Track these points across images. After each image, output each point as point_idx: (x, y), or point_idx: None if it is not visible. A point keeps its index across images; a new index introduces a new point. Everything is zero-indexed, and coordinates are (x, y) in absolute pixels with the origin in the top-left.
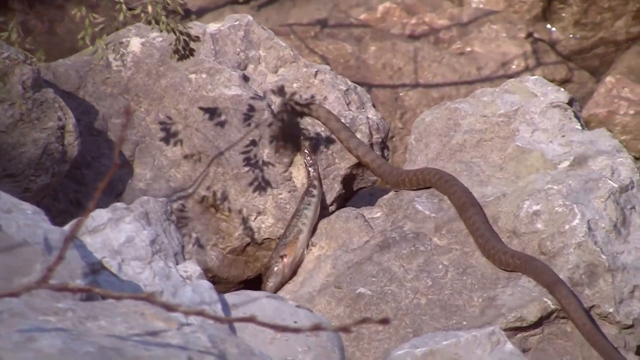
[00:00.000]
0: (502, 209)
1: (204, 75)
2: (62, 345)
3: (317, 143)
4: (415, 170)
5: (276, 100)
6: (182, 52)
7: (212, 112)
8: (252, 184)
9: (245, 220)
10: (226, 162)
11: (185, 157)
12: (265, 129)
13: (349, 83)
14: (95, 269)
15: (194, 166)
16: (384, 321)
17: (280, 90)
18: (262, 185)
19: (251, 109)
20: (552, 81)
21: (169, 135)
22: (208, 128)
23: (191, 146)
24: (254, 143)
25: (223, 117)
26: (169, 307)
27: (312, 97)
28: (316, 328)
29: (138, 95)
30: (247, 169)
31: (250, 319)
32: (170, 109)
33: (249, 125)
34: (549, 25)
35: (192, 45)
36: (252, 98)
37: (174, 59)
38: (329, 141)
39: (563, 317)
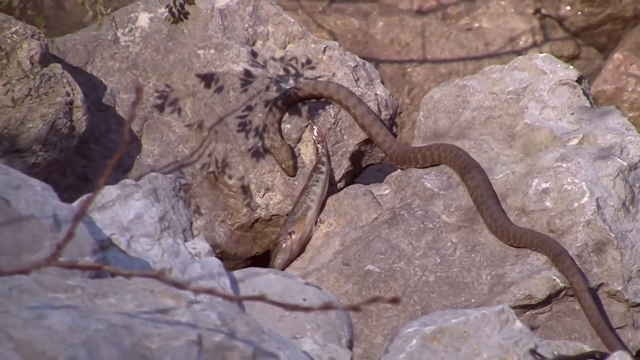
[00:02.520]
0: (511, 186)
1: (212, 51)
2: (71, 323)
3: (325, 120)
4: (427, 146)
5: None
6: (177, 15)
7: (219, 87)
8: (255, 156)
9: (253, 197)
10: (234, 138)
11: (191, 129)
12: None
13: (358, 59)
14: (104, 245)
15: (202, 142)
16: (395, 300)
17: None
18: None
19: (258, 83)
20: (560, 57)
21: (174, 109)
22: (216, 103)
23: (198, 121)
24: (250, 108)
25: (231, 93)
26: (179, 285)
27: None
28: (326, 307)
29: (146, 70)
30: (256, 145)
31: (260, 298)
32: (179, 85)
33: (255, 100)
34: (557, 1)
35: (188, 8)
36: (260, 74)
37: (170, 22)
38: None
39: (571, 295)
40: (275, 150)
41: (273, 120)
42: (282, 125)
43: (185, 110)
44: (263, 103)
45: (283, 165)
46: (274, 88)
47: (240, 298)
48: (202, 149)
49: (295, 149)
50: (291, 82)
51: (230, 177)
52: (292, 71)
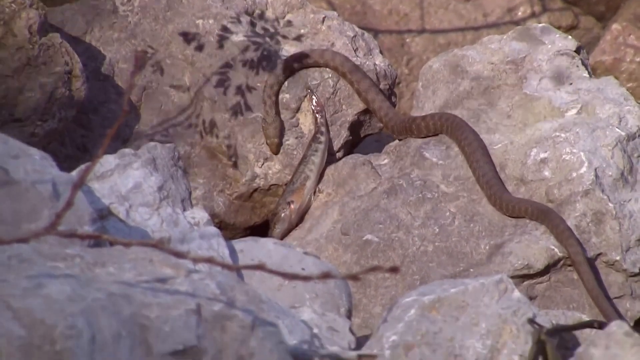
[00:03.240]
0: (510, 156)
1: (211, 21)
2: (70, 292)
3: (324, 89)
4: (425, 115)
5: (283, 46)
6: None
7: (218, 57)
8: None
9: (252, 166)
10: (232, 107)
11: (189, 99)
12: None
13: (357, 29)
14: (103, 215)
15: (201, 112)
16: (393, 269)
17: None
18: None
19: (257, 53)
20: (558, 28)
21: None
22: (214, 73)
23: (197, 91)
24: (248, 77)
25: (230, 63)
26: (178, 254)
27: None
28: (325, 276)
29: (145, 40)
30: (254, 114)
31: (259, 267)
32: (178, 54)
33: (255, 69)
34: None
35: None
36: (259, 43)
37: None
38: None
39: (569, 265)
40: (265, 124)
41: (270, 93)
42: (281, 96)
43: (184, 80)
44: (261, 71)
45: (268, 141)
46: (273, 58)
47: (239, 267)
48: (201, 118)
49: (294, 119)
50: (286, 47)
51: (229, 147)
52: (277, 32)
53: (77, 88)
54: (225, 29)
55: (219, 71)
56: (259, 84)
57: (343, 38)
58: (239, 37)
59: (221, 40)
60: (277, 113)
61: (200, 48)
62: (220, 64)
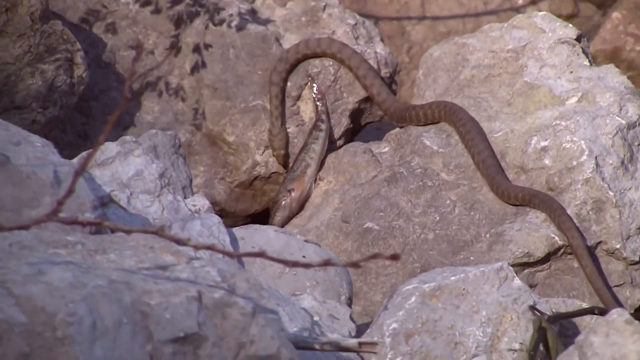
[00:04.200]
0: (510, 144)
1: (211, 8)
2: (71, 279)
3: (325, 77)
4: (425, 104)
5: (284, 34)
6: None
7: (219, 45)
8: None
9: (252, 154)
10: (234, 95)
11: (191, 87)
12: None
13: (357, 17)
14: (104, 202)
15: (202, 99)
16: (395, 257)
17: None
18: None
19: (260, 42)
20: (558, 16)
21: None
22: (216, 62)
23: (198, 78)
24: (250, 65)
25: (230, 51)
26: (179, 241)
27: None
28: (326, 263)
29: (146, 28)
30: (255, 102)
31: (260, 254)
32: (179, 42)
33: (257, 59)
34: None
35: None
36: (261, 31)
37: None
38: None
39: (570, 253)
40: (271, 135)
41: (277, 103)
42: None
43: (185, 68)
44: (263, 60)
45: (274, 153)
46: (274, 45)
47: (240, 254)
48: (202, 106)
49: (295, 107)
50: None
51: (229, 135)
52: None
53: (79, 75)
54: (227, 17)
55: (220, 60)
56: (259, 72)
57: (344, 26)
58: (240, 24)
59: (223, 29)
60: (283, 124)
61: (202, 36)
62: (222, 53)
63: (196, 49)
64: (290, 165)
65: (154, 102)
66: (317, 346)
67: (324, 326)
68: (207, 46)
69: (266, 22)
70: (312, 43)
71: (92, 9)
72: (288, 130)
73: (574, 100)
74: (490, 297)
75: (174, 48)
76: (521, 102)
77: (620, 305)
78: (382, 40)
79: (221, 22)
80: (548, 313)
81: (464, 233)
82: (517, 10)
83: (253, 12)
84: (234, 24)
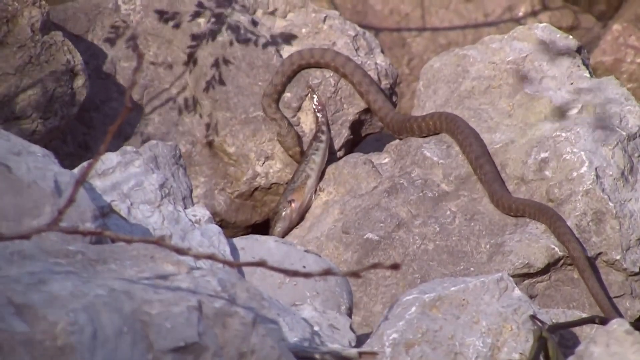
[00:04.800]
0: (510, 155)
1: (213, 19)
2: (72, 288)
3: (326, 88)
4: (425, 115)
5: (285, 46)
6: None
7: (220, 56)
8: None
9: (253, 165)
10: (234, 107)
11: (191, 98)
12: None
13: (358, 29)
14: (105, 212)
15: (202, 110)
16: (395, 266)
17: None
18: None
19: (261, 53)
20: (559, 28)
21: (175, 77)
22: (216, 72)
23: (199, 91)
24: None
25: (232, 62)
26: (180, 251)
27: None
28: (326, 273)
29: (147, 38)
30: (255, 113)
31: (261, 264)
32: (179, 53)
33: (258, 70)
34: None
35: None
36: (262, 42)
37: None
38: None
39: (570, 264)
40: (281, 137)
41: (276, 109)
42: (283, 95)
43: (185, 79)
44: (263, 71)
45: (290, 152)
46: (274, 56)
47: (240, 264)
48: (202, 117)
49: (295, 118)
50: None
51: (230, 146)
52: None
53: (79, 86)
54: (228, 28)
55: (222, 71)
56: (260, 83)
57: (344, 37)
58: (240, 36)
59: (224, 40)
60: (290, 123)
61: (202, 47)
62: (223, 64)
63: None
64: (291, 176)
65: (154, 113)
66: (317, 356)
67: (324, 336)
68: (227, 62)
69: (267, 33)
70: (305, 53)
71: (161, 58)
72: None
73: (574, 111)
74: (490, 307)
75: (176, 59)
76: (521, 113)
77: (620, 316)
78: (382, 51)
79: (222, 32)
80: (548, 323)
81: (464, 244)
82: (518, 21)
83: (253, 23)
84: (234, 35)
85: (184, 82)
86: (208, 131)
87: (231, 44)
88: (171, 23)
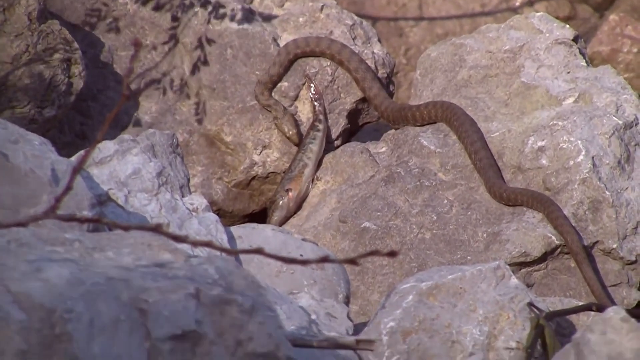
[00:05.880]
0: (507, 144)
1: (209, 8)
2: (69, 276)
3: (323, 77)
4: (422, 104)
5: (282, 35)
6: None
7: (216, 45)
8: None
9: (250, 154)
10: (232, 96)
11: (189, 87)
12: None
13: (355, 18)
14: (102, 200)
15: (200, 99)
16: (392, 253)
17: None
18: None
19: (258, 42)
20: (555, 18)
21: (172, 66)
22: (213, 61)
23: (196, 79)
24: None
25: (228, 51)
26: (177, 238)
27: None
28: (324, 260)
29: (144, 28)
30: (253, 102)
31: (258, 251)
32: (178, 44)
33: (255, 59)
34: None
35: None
36: (258, 32)
37: None
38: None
39: (567, 253)
40: (278, 121)
41: (268, 96)
42: (280, 84)
43: (183, 68)
44: (260, 60)
45: (289, 134)
46: (271, 45)
47: (237, 251)
48: (199, 106)
49: (293, 107)
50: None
51: (227, 134)
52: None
53: (76, 75)
54: (225, 17)
55: (219, 60)
56: (257, 72)
57: (341, 26)
58: (237, 25)
59: (221, 29)
60: (284, 107)
61: (199, 36)
62: (220, 53)
63: (196, 48)
64: (288, 165)
65: (152, 102)
66: (314, 344)
67: (322, 324)
68: (210, 41)
69: (264, 22)
70: (301, 42)
71: (158, 47)
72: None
73: (571, 100)
74: (487, 295)
75: (173, 47)
76: (518, 102)
77: (614, 304)
78: (379, 41)
79: (219, 21)
80: (545, 311)
81: (461, 233)
82: (514, 11)
83: (251, 12)
84: (231, 24)
85: (182, 72)
86: (205, 120)
87: (228, 32)
88: (166, 11)
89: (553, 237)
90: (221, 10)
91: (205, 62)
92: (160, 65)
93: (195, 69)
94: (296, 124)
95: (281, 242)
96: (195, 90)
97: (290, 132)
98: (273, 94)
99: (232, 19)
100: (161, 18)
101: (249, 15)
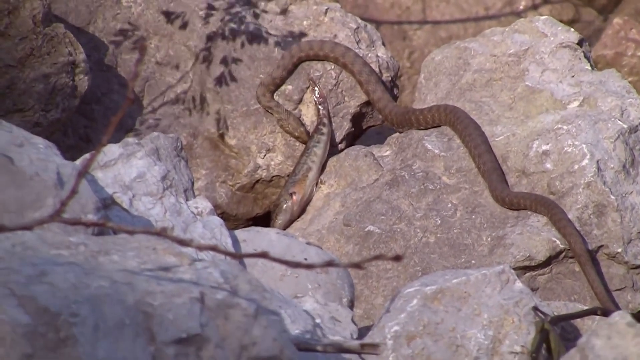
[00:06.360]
0: (512, 148)
1: (214, 12)
2: (74, 280)
3: (327, 81)
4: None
5: (282, 42)
6: None
7: (221, 48)
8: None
9: (254, 158)
10: (236, 99)
11: (193, 90)
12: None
13: (359, 21)
14: (107, 204)
15: (204, 103)
16: (397, 258)
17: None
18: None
19: (262, 45)
20: (560, 22)
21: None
22: (217, 64)
23: (200, 82)
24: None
25: (234, 55)
26: (182, 242)
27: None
28: (329, 264)
29: (148, 31)
30: (256, 106)
31: (263, 255)
32: (180, 46)
33: (259, 62)
34: None
35: None
36: (263, 35)
37: None
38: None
39: (571, 257)
40: (283, 122)
41: (270, 97)
42: (284, 87)
43: (186, 71)
44: (264, 64)
45: (296, 133)
46: (275, 49)
47: (242, 255)
48: (204, 110)
49: (297, 110)
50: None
51: (231, 138)
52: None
53: (80, 78)
54: (230, 21)
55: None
56: (261, 75)
57: (345, 30)
58: (242, 28)
59: (226, 33)
60: (286, 109)
61: (204, 39)
62: (224, 56)
63: (201, 53)
64: (292, 169)
65: (156, 106)
66: (319, 348)
67: (326, 328)
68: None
69: (268, 25)
70: (304, 46)
71: (162, 51)
72: None
73: (575, 104)
74: (491, 300)
75: (177, 52)
76: (523, 106)
77: (618, 308)
78: (383, 44)
79: (224, 26)
80: (550, 315)
81: (465, 237)
82: (518, 15)
83: (255, 16)
84: (236, 28)
85: (186, 75)
86: (210, 123)
87: (233, 37)
88: (173, 17)
89: (558, 241)
90: (226, 14)
91: (230, 78)
92: (164, 71)
93: (194, 70)
94: (301, 122)
95: (285, 246)
96: (200, 93)
97: (298, 131)
98: (277, 98)
99: (236, 23)
100: (165, 23)
101: (252, 19)
